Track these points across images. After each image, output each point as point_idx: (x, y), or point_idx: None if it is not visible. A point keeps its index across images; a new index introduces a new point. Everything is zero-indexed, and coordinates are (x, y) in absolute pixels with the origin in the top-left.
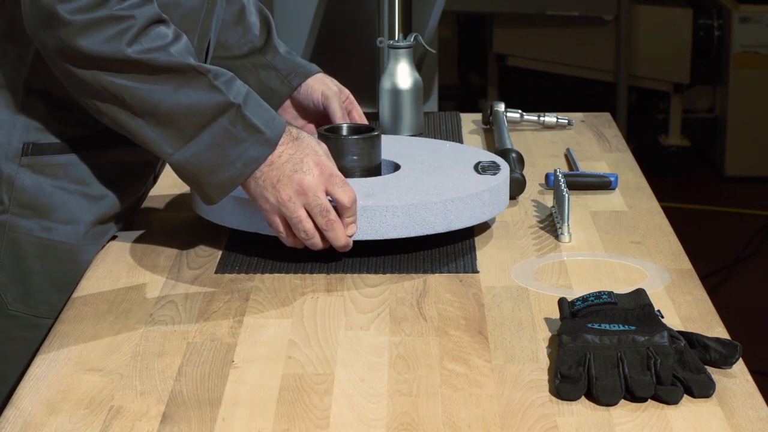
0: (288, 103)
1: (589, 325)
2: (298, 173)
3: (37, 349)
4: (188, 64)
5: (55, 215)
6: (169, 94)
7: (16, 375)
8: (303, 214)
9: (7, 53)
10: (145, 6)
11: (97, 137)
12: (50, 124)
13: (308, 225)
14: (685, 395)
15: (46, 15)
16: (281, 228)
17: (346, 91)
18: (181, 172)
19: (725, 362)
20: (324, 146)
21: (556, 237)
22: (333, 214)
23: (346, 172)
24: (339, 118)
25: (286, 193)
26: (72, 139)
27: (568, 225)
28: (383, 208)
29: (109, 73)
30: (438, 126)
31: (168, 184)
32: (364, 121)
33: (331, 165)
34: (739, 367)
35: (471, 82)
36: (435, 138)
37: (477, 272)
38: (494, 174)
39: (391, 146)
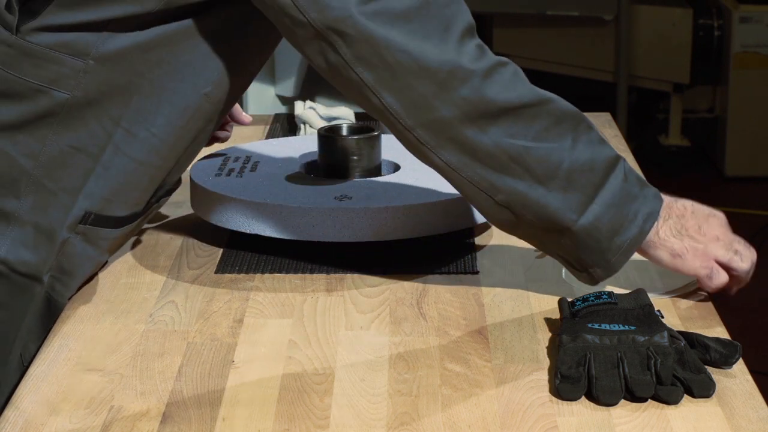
0: None
1: (589, 325)
2: (712, 216)
3: (33, 356)
4: (579, 113)
5: (71, 280)
6: (569, 151)
7: None
8: (730, 252)
9: (100, 117)
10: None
11: (137, 212)
12: (117, 198)
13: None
14: (685, 395)
15: (446, 74)
16: (719, 272)
17: None
18: (581, 240)
19: (725, 362)
20: None
21: None
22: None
23: (346, 172)
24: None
25: (714, 233)
26: (126, 215)
27: None
28: (384, 210)
29: (510, 133)
30: None
31: None
32: (242, 115)
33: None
34: (739, 367)
35: None
36: None
37: (477, 272)
38: None
39: (391, 146)
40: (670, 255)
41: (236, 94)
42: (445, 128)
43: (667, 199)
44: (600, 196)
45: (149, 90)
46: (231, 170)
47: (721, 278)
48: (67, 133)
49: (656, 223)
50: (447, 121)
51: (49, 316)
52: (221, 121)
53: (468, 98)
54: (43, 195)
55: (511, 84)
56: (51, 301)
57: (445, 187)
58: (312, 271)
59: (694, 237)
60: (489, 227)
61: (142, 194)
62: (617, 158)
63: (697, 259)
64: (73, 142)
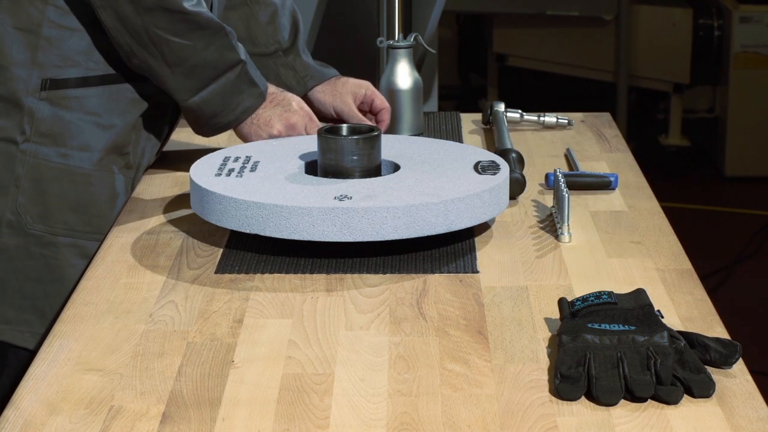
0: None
1: (589, 325)
2: (287, 113)
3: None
4: (220, 24)
5: (71, 142)
6: (199, 51)
7: (33, 290)
8: None
9: (32, 0)
10: None
11: (107, 75)
12: (66, 63)
13: None
14: (685, 395)
15: None
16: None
17: (364, 85)
18: (187, 114)
19: (725, 362)
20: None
21: (556, 237)
22: None
23: (346, 172)
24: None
25: (277, 129)
26: (86, 76)
27: (568, 225)
28: (384, 210)
29: (157, 24)
30: (438, 126)
31: (168, 184)
32: (386, 106)
33: (308, 108)
34: (739, 367)
35: (471, 82)
36: (435, 138)
37: (477, 272)
38: (494, 174)
39: (391, 146)
40: (254, 140)
41: None
42: None
43: (271, 96)
44: (212, 86)
45: None
46: (231, 170)
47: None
48: (9, 18)
49: (254, 113)
50: None
51: (45, 178)
52: None
53: None
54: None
55: None
56: (41, 164)
57: (445, 187)
58: (312, 271)
59: (263, 129)
60: (489, 227)
61: (95, 54)
62: (239, 62)
63: (279, 126)
64: (15, 24)
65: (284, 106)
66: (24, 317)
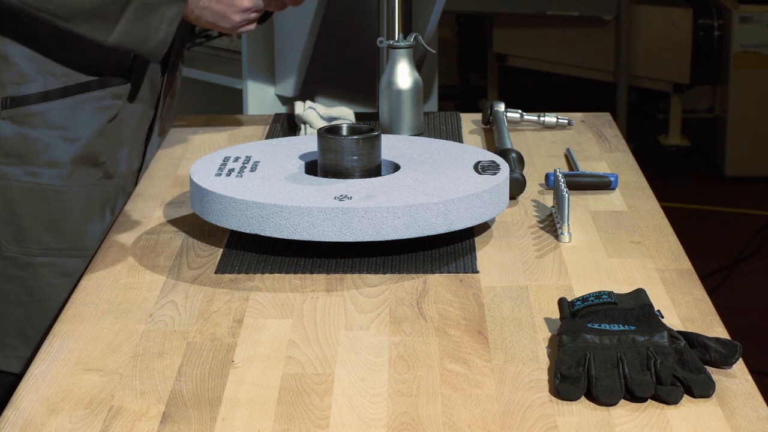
0: None
1: (589, 325)
2: None
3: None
4: None
5: (38, 160)
6: None
7: (15, 313)
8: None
9: None
10: None
11: (68, 87)
12: (25, 78)
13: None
14: (685, 395)
15: None
16: (250, 24)
17: None
18: (119, 49)
19: (725, 362)
20: None
21: (556, 237)
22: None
23: (346, 172)
24: None
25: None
26: (46, 90)
27: (568, 225)
28: (384, 210)
29: None
30: (438, 126)
31: (167, 184)
32: None
33: None
34: (739, 367)
35: (471, 82)
36: (435, 138)
37: (477, 272)
38: (494, 174)
39: (391, 146)
40: (209, 25)
41: None
42: None
43: None
44: (123, 17)
45: None
46: (231, 170)
47: (250, 27)
48: None
49: (182, 16)
50: None
51: (15, 199)
52: None
53: None
54: None
55: None
56: (10, 185)
57: (446, 188)
58: (312, 271)
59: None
60: (489, 227)
61: (52, 66)
62: None
63: (227, 21)
64: None
65: None
66: (7, 342)
